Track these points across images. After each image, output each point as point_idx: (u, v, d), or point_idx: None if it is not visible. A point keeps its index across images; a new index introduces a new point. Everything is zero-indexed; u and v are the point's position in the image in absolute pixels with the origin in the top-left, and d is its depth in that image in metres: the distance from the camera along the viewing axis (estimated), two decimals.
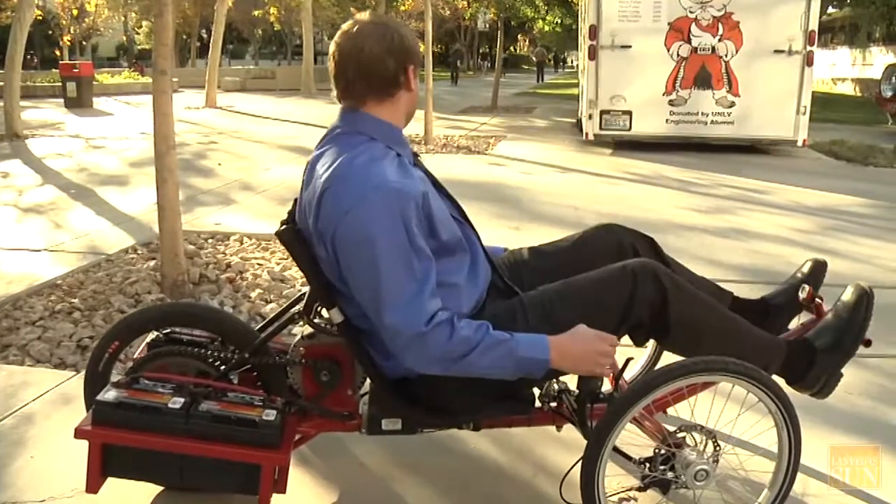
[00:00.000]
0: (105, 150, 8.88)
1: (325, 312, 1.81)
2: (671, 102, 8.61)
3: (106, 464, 1.69)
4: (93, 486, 1.70)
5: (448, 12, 25.89)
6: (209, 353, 1.90)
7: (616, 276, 1.69)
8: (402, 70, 1.65)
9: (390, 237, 1.51)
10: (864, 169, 7.91)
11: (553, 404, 1.87)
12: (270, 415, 1.69)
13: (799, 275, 2.06)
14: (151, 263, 3.88)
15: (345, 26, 1.67)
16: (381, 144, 1.63)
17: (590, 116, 8.77)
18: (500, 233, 4.72)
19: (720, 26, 8.37)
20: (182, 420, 1.66)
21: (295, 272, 3.85)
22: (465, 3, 19.88)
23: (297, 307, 1.92)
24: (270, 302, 3.43)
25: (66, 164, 7.76)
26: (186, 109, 13.89)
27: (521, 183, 6.61)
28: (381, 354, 1.69)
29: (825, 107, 14.57)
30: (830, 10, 25.73)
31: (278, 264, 3.98)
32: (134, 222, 5.04)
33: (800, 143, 8.50)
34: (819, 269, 2.05)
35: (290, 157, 8.14)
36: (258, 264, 3.97)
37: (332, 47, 1.67)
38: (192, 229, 4.64)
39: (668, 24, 8.43)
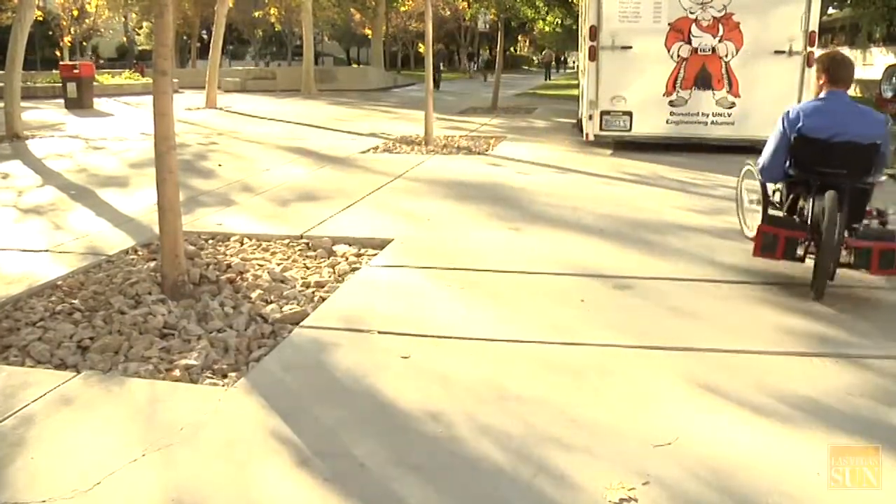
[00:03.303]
0: (105, 150, 8.89)
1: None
2: (671, 103, 8.60)
3: None
4: None
5: (448, 13, 25.90)
6: None
7: None
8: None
9: None
10: None
11: None
12: None
13: None
14: (152, 264, 3.89)
15: (838, 53, 3.76)
16: None
17: (590, 117, 8.76)
18: (500, 233, 4.72)
19: (720, 27, 8.36)
20: None
21: (295, 272, 3.85)
22: (466, 3, 19.89)
23: None
24: (271, 302, 3.43)
25: (67, 164, 7.77)
26: (187, 110, 13.90)
27: (520, 183, 6.60)
28: None
29: None
30: (831, 10, 25.77)
31: (279, 265, 3.98)
32: (134, 223, 5.04)
33: None
34: None
35: (290, 158, 8.14)
36: (258, 265, 3.97)
37: (836, 59, 3.63)
38: (193, 230, 4.64)
39: (669, 24, 8.43)
